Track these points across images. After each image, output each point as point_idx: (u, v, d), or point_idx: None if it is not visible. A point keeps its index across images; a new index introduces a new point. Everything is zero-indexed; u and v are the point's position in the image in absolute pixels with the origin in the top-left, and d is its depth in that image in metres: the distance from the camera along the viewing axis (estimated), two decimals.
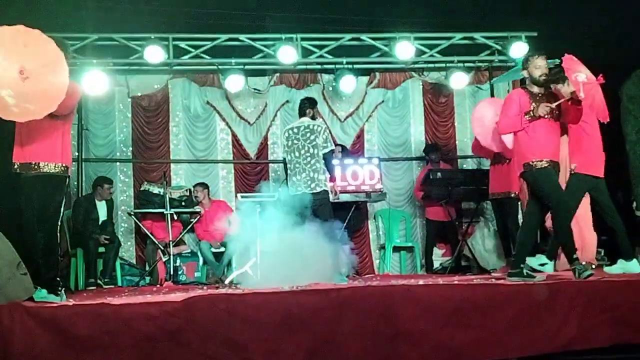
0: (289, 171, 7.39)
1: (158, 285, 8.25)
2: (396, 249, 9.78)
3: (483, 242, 9.22)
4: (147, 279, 8.75)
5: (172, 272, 8.57)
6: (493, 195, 8.05)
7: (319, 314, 4.62)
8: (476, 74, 10.26)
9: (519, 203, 7.98)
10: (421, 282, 6.07)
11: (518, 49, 9.54)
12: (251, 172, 10.01)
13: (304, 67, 9.90)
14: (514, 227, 7.82)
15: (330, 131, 8.09)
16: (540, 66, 5.78)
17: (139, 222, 8.93)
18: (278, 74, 9.99)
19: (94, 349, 4.42)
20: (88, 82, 8.67)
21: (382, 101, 10.34)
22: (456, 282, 5.49)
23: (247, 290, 5.68)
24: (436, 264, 9.33)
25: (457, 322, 4.70)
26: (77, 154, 9.16)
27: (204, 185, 9.26)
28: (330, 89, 10.08)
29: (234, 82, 9.39)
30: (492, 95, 10.03)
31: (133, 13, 9.24)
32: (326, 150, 7.25)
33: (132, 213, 8.95)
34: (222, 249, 8.80)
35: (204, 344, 4.50)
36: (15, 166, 5.39)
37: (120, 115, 9.82)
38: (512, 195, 7.87)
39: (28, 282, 4.97)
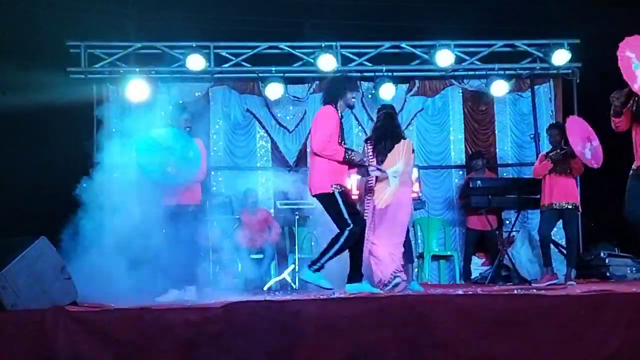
0: None
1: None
2: (435, 258, 9.72)
3: (524, 252, 9.11)
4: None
5: (211, 278, 8.62)
6: (550, 205, 7.80)
7: (358, 322, 4.61)
8: (517, 82, 10.16)
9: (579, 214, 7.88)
10: (460, 291, 6.02)
11: (560, 57, 9.44)
12: (290, 180, 10.02)
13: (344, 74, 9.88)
14: (571, 237, 7.73)
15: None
16: None
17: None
18: (317, 82, 10.01)
19: (135, 354, 4.47)
20: (131, 89, 8.80)
21: (422, 109, 10.30)
22: (497, 292, 5.43)
23: (285, 297, 5.69)
24: (475, 274, 9.24)
25: (498, 333, 4.64)
26: None
27: (255, 192, 9.34)
28: (370, 96, 10.07)
29: (274, 90, 9.46)
30: (533, 102, 9.94)
31: (175, 22, 9.38)
32: None
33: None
34: (261, 256, 8.83)
35: (244, 351, 4.52)
36: None
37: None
38: (571, 206, 7.68)
39: (71, 286, 5.06)
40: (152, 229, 6.46)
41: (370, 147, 6.85)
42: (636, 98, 5.73)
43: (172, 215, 6.60)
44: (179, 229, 6.54)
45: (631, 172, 5.95)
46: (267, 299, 5.48)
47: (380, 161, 6.60)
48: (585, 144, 7.21)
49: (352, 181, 7.92)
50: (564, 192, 7.67)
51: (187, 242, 6.59)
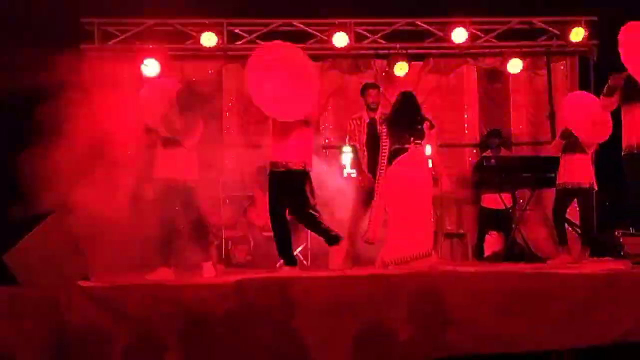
0: None
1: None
2: (448, 236, 9.68)
3: (537, 230, 9.06)
4: None
5: (224, 256, 8.66)
6: (565, 185, 7.78)
7: (369, 299, 4.62)
8: (533, 60, 10.03)
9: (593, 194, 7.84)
10: (472, 270, 5.99)
11: (577, 34, 9.32)
12: None
13: (357, 52, 9.83)
14: (586, 216, 7.70)
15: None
16: None
17: None
18: (331, 59, 9.94)
19: (147, 330, 4.51)
20: (144, 67, 8.79)
21: (436, 87, 10.20)
22: (509, 271, 5.41)
23: (296, 274, 5.69)
24: (488, 252, 9.20)
25: (510, 310, 4.65)
26: None
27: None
28: (384, 74, 9.99)
29: None
30: (549, 80, 9.83)
31: None
32: None
33: None
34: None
35: (255, 327, 4.55)
36: None
37: None
38: (585, 186, 7.64)
39: (85, 262, 5.09)
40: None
41: (386, 126, 6.73)
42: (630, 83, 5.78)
43: (167, 190, 6.50)
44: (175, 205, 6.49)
45: (623, 154, 6.02)
46: (278, 275, 5.49)
47: (400, 141, 6.53)
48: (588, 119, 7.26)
49: None
50: (578, 170, 7.63)
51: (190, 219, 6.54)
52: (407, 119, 6.59)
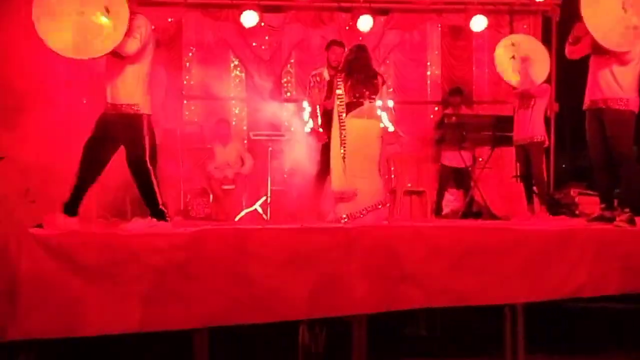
0: None
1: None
2: (407, 193, 9.72)
3: (496, 189, 9.14)
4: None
5: (182, 208, 8.59)
6: (517, 141, 7.90)
7: (326, 252, 4.61)
8: (496, 18, 10.01)
9: (544, 149, 7.92)
10: (429, 224, 6.02)
11: None
12: (264, 111, 9.89)
13: (321, 4, 9.69)
14: (538, 173, 7.78)
15: None
16: None
17: None
18: (294, 11, 9.79)
19: (102, 279, 4.43)
20: None
21: (400, 43, 10.14)
22: (465, 226, 5.45)
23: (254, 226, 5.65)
24: (447, 210, 9.28)
25: (465, 265, 4.69)
26: None
27: (229, 123, 9.23)
28: (347, 28, 9.88)
29: (249, 18, 9.24)
30: None
31: None
32: None
33: None
34: (233, 186, 8.78)
35: (211, 277, 4.51)
36: None
37: None
38: (536, 140, 7.73)
39: (35, 209, 4.98)
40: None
41: (341, 80, 6.61)
42: None
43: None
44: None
45: (584, 107, 6.01)
46: (235, 227, 5.44)
47: (355, 95, 6.47)
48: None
49: None
50: (525, 126, 7.73)
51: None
52: (362, 73, 6.51)
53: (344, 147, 6.40)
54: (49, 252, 4.40)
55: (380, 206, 6.37)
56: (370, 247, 4.68)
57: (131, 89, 5.36)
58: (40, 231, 4.70)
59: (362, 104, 6.40)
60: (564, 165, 10.12)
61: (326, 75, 7.27)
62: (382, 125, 6.48)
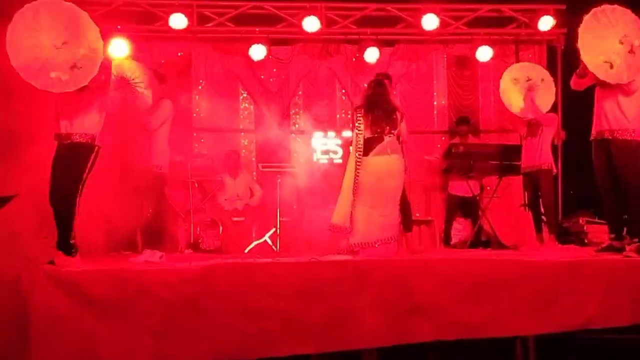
0: None
1: (179, 253, 8.30)
2: (415, 222, 9.71)
3: (504, 218, 9.14)
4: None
5: (192, 240, 8.62)
6: (525, 169, 7.92)
7: (336, 285, 4.63)
8: (502, 48, 10.08)
9: (553, 177, 7.94)
10: (439, 257, 6.03)
11: (545, 23, 9.39)
12: (273, 142, 9.95)
13: (328, 37, 9.79)
14: (547, 202, 7.78)
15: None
16: None
17: None
18: (301, 44, 9.89)
19: (112, 314, 4.48)
20: (112, 47, 8.65)
21: (406, 73, 10.22)
22: (474, 258, 5.45)
23: (264, 260, 5.68)
24: (455, 239, 9.28)
25: (475, 297, 4.70)
26: None
27: (238, 154, 9.29)
28: (354, 59, 9.98)
29: (258, 51, 9.34)
30: None
31: None
32: None
33: None
34: (243, 218, 8.82)
35: (221, 312, 4.54)
36: None
37: None
38: (544, 168, 7.73)
39: (49, 245, 5.02)
40: None
41: (361, 115, 6.56)
42: None
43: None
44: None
45: (592, 138, 6.05)
46: (245, 261, 5.47)
47: (377, 131, 6.45)
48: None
49: None
50: (533, 155, 7.75)
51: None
52: (382, 108, 6.51)
53: (362, 185, 6.41)
54: (60, 288, 4.45)
55: (392, 241, 6.37)
56: (379, 280, 4.70)
57: (83, 120, 5.47)
58: (52, 267, 4.75)
59: (382, 139, 6.41)
60: (572, 192, 10.09)
61: None
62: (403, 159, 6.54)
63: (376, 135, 6.42)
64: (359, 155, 6.42)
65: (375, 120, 6.45)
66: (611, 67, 5.70)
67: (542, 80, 7.83)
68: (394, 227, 6.50)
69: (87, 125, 5.45)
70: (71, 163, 5.40)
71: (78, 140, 5.40)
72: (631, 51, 5.71)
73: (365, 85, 7.00)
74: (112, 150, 6.78)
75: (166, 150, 6.81)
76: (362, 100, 6.78)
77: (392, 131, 6.45)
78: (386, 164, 6.40)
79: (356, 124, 6.50)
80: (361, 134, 6.44)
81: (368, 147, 6.41)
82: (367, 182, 6.37)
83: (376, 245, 6.28)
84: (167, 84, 7.00)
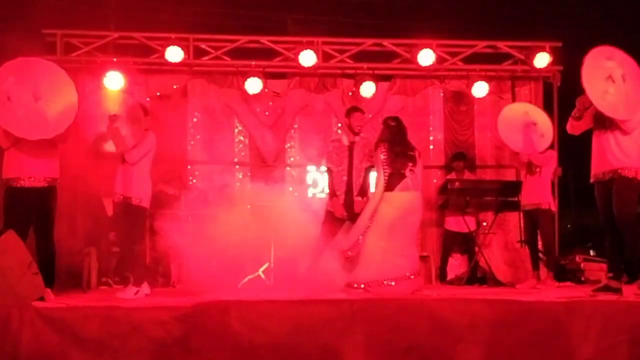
0: None
1: (170, 287, 8.23)
2: None
3: (500, 254, 9.10)
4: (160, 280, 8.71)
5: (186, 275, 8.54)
6: (524, 207, 7.91)
7: (330, 325, 4.57)
8: (498, 84, 10.12)
9: (553, 216, 7.93)
10: (435, 294, 5.98)
11: (542, 59, 9.44)
12: (267, 176, 9.93)
13: (325, 71, 9.82)
14: (547, 240, 7.77)
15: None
16: None
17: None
18: (298, 78, 9.92)
19: (103, 352, 4.42)
20: (108, 80, 8.67)
21: (402, 108, 10.22)
22: (470, 297, 5.39)
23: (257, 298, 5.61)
24: (451, 275, 9.22)
25: (471, 337, 4.63)
26: None
27: (233, 188, 9.25)
28: (350, 94, 10.00)
29: (254, 85, 9.35)
30: None
31: (155, 12, 9.26)
32: None
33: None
34: (236, 252, 8.74)
35: (213, 351, 4.48)
36: None
37: None
38: (543, 207, 7.71)
39: (39, 282, 4.96)
40: None
41: (384, 151, 6.59)
42: None
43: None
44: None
45: (592, 181, 6.09)
46: (238, 299, 5.39)
47: (398, 168, 6.52)
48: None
49: None
50: (533, 193, 7.74)
51: None
52: (403, 144, 6.66)
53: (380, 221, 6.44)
54: (50, 326, 4.40)
55: (412, 276, 6.39)
56: (374, 318, 4.64)
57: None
58: (43, 304, 4.69)
59: (404, 175, 6.49)
60: (569, 226, 10.08)
61: (345, 141, 7.25)
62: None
63: (398, 171, 6.51)
64: (382, 190, 6.49)
65: (397, 157, 6.54)
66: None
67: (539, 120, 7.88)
68: (415, 262, 6.61)
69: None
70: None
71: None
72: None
73: (383, 122, 7.03)
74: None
75: (147, 182, 6.69)
76: (382, 137, 6.81)
77: (412, 168, 6.54)
78: (410, 199, 6.50)
79: (381, 159, 6.54)
80: (386, 170, 6.50)
81: (391, 183, 6.48)
82: (391, 216, 6.43)
83: (392, 283, 6.30)
84: (150, 117, 6.97)
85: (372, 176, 6.98)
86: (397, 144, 6.61)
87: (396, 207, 6.42)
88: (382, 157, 6.55)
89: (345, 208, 6.95)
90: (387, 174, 6.49)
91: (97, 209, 8.68)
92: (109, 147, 6.55)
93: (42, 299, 4.88)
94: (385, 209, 6.44)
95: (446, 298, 5.35)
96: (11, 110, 5.69)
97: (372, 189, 6.94)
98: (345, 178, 7.08)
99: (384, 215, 6.43)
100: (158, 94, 9.70)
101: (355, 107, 7.49)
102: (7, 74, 5.82)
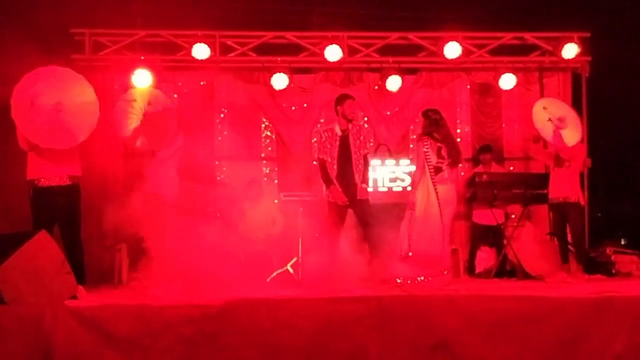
0: None
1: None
2: None
3: (529, 247, 9.03)
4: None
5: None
6: (552, 200, 7.88)
7: (359, 322, 4.59)
8: (525, 75, 10.03)
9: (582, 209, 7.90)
10: (463, 289, 5.96)
11: (569, 50, 9.33)
12: (295, 171, 9.95)
13: (350, 65, 9.81)
14: (576, 233, 7.72)
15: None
16: None
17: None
18: (323, 73, 9.91)
19: (134, 350, 4.48)
20: (135, 78, 8.74)
21: (428, 101, 10.17)
22: (500, 294, 5.36)
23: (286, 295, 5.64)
24: (480, 268, 9.18)
25: (500, 334, 4.62)
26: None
27: (260, 183, 9.29)
28: (376, 88, 9.97)
29: (280, 80, 9.37)
30: (541, 96, 9.80)
31: (181, 10, 9.30)
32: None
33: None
34: (264, 247, 8.79)
35: (243, 349, 4.52)
36: None
37: None
38: (572, 200, 7.68)
39: (71, 280, 5.03)
40: None
41: (427, 143, 6.78)
42: None
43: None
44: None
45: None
46: (267, 297, 5.42)
47: (439, 160, 6.69)
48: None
49: None
50: (561, 186, 7.68)
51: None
52: (450, 139, 6.87)
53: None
54: (83, 324, 4.47)
55: (445, 272, 6.54)
56: (403, 316, 4.65)
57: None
58: (75, 303, 4.76)
59: (441, 169, 6.67)
60: (599, 214, 9.97)
61: (338, 130, 7.24)
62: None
63: (439, 164, 6.70)
64: (430, 183, 6.71)
65: (438, 150, 6.73)
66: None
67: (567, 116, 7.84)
68: (447, 257, 6.75)
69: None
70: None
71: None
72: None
73: (423, 114, 7.08)
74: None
75: (174, 179, 7.00)
76: (424, 129, 6.94)
77: (452, 161, 6.72)
78: (448, 191, 6.72)
79: (425, 152, 6.74)
80: (430, 162, 6.72)
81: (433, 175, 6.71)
82: (429, 208, 6.66)
83: (429, 279, 6.48)
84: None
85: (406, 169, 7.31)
86: (445, 137, 6.80)
87: (434, 199, 6.59)
88: (425, 149, 6.70)
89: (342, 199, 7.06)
90: (431, 167, 6.66)
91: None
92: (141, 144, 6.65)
93: (74, 297, 4.95)
94: (423, 200, 6.65)
95: (474, 295, 5.33)
96: (32, 116, 5.91)
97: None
98: (335, 167, 7.11)
99: (421, 207, 6.64)
100: (185, 90, 9.76)
101: (346, 95, 7.48)
102: (37, 80, 5.94)
